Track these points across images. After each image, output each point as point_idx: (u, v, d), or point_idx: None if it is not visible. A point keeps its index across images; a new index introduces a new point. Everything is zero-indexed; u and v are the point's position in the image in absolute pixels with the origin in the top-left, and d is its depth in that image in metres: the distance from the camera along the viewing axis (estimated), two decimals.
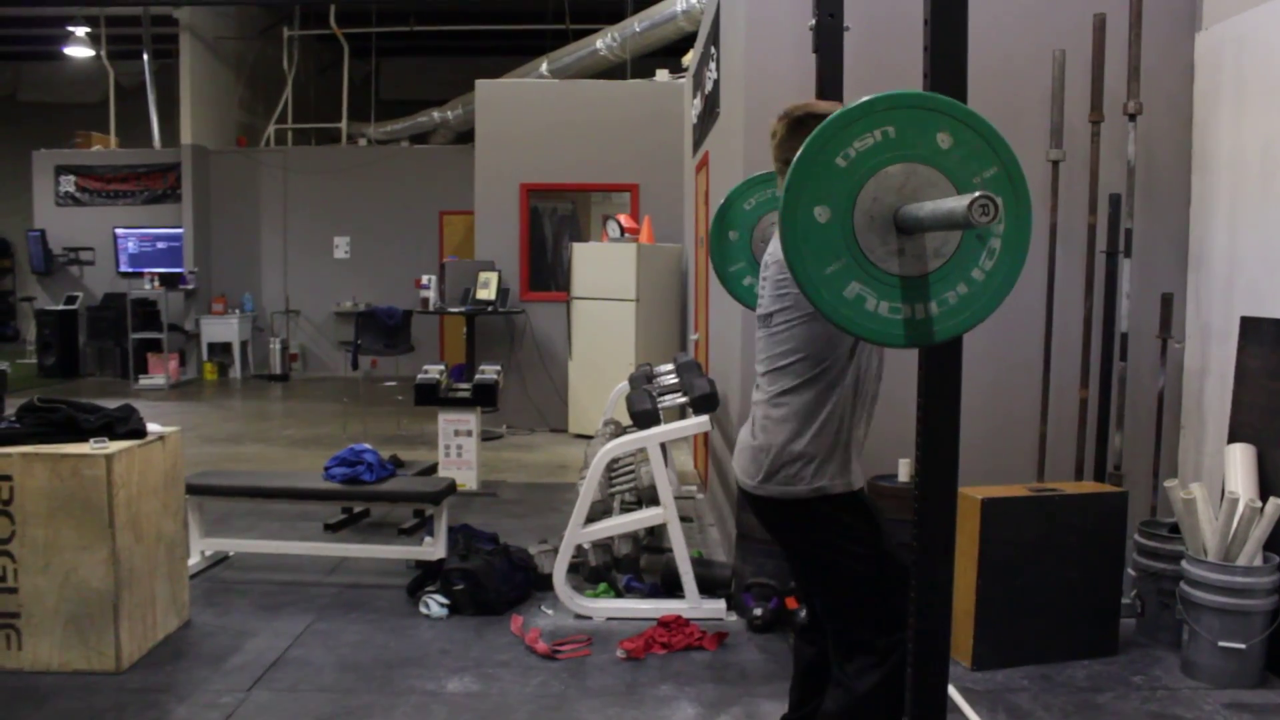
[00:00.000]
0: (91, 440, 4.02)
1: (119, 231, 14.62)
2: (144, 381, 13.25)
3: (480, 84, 10.50)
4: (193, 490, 4.99)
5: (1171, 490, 4.07)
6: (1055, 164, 4.68)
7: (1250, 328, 4.29)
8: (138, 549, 4.11)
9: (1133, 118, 4.59)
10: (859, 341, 2.59)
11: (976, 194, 1.94)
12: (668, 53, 12.18)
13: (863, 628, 2.69)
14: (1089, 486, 4.46)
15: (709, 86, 6.74)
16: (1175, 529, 4.20)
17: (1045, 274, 4.73)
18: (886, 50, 4.53)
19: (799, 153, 2.15)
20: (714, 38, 6.38)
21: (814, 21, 3.53)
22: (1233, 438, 4.27)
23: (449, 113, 15.04)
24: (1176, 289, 4.75)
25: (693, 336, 8.20)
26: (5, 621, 3.95)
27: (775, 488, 2.68)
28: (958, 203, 1.98)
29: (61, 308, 14.46)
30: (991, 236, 2.20)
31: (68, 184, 15.11)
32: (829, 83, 3.48)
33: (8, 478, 3.91)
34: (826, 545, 2.72)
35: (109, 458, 3.93)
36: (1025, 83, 4.74)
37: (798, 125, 2.65)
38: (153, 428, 4.33)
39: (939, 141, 2.17)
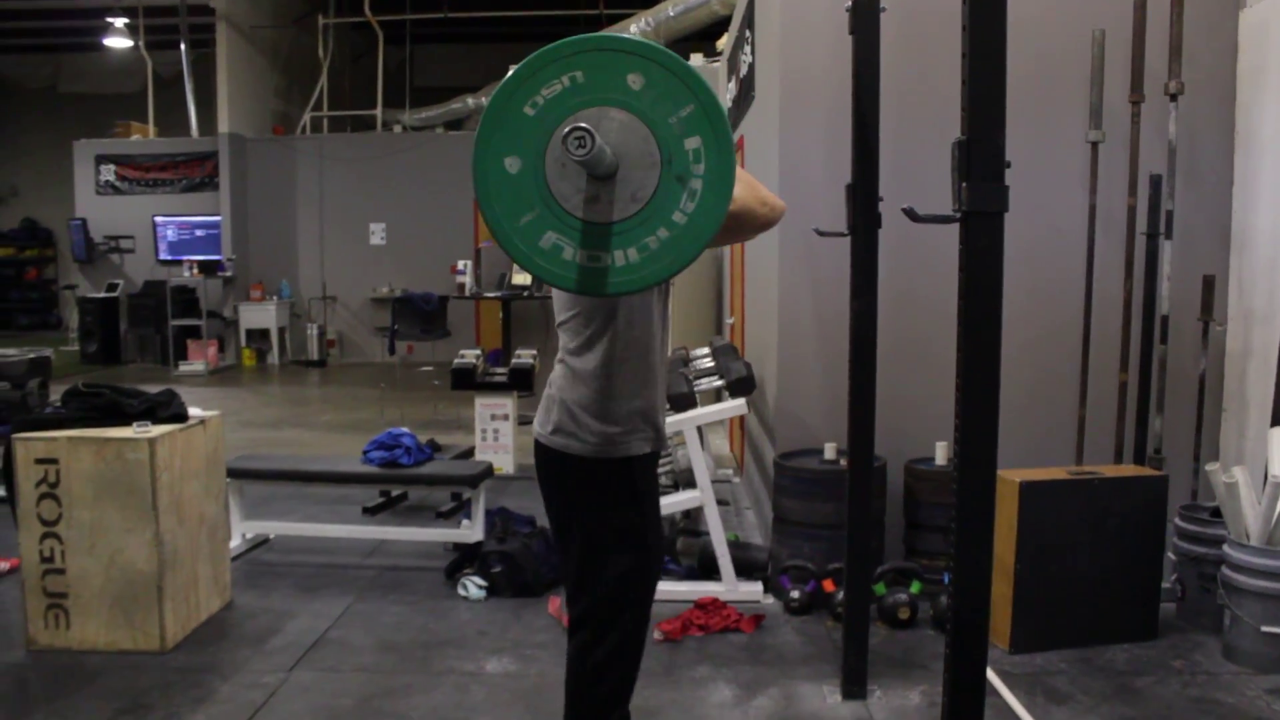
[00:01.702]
0: (135, 424, 4.08)
1: (158, 220, 14.81)
2: (184, 368, 13.41)
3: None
4: (233, 474, 5.06)
5: (1213, 474, 4.03)
6: (1095, 145, 4.64)
7: None
8: (181, 531, 4.17)
9: (1174, 97, 4.54)
10: (623, 302, 2.52)
11: (569, 128, 1.91)
12: (702, 37, 12.14)
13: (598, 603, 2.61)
14: (1129, 470, 4.43)
15: (744, 70, 6.72)
16: (1217, 513, 4.17)
17: (1085, 257, 4.69)
18: (924, 31, 4.50)
19: (488, 103, 2.10)
20: (749, 21, 6.36)
21: (850, 3, 3.50)
22: (1275, 421, 4.22)
23: (483, 98, 15.08)
24: (1219, 271, 4.69)
25: (728, 321, 8.19)
26: (54, 602, 4.03)
27: (558, 439, 2.59)
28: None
29: (103, 295, 14.66)
30: (692, 177, 2.08)
31: (108, 173, 15.29)
32: (865, 65, 3.45)
33: (54, 461, 3.98)
34: (588, 508, 2.62)
35: (152, 441, 3.99)
36: (1065, 63, 4.69)
37: None
38: (194, 412, 4.39)
39: (630, 83, 2.06)
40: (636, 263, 2.11)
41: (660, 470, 5.27)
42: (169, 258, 14.73)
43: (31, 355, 8.28)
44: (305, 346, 14.49)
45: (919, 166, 4.23)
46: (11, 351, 8.62)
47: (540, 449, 2.64)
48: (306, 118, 15.56)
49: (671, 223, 2.08)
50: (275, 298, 14.51)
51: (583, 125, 1.93)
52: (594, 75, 2.06)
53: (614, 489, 2.57)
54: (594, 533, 2.60)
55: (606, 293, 2.16)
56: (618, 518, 2.58)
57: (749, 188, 2.45)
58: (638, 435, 2.57)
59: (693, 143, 2.06)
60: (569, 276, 2.13)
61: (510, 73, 2.12)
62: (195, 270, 13.74)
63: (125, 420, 4.12)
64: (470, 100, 15.26)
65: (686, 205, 2.07)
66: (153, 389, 4.43)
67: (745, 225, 2.50)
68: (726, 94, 8.36)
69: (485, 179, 2.11)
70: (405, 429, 5.52)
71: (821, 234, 4.04)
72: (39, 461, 3.97)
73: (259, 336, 14.56)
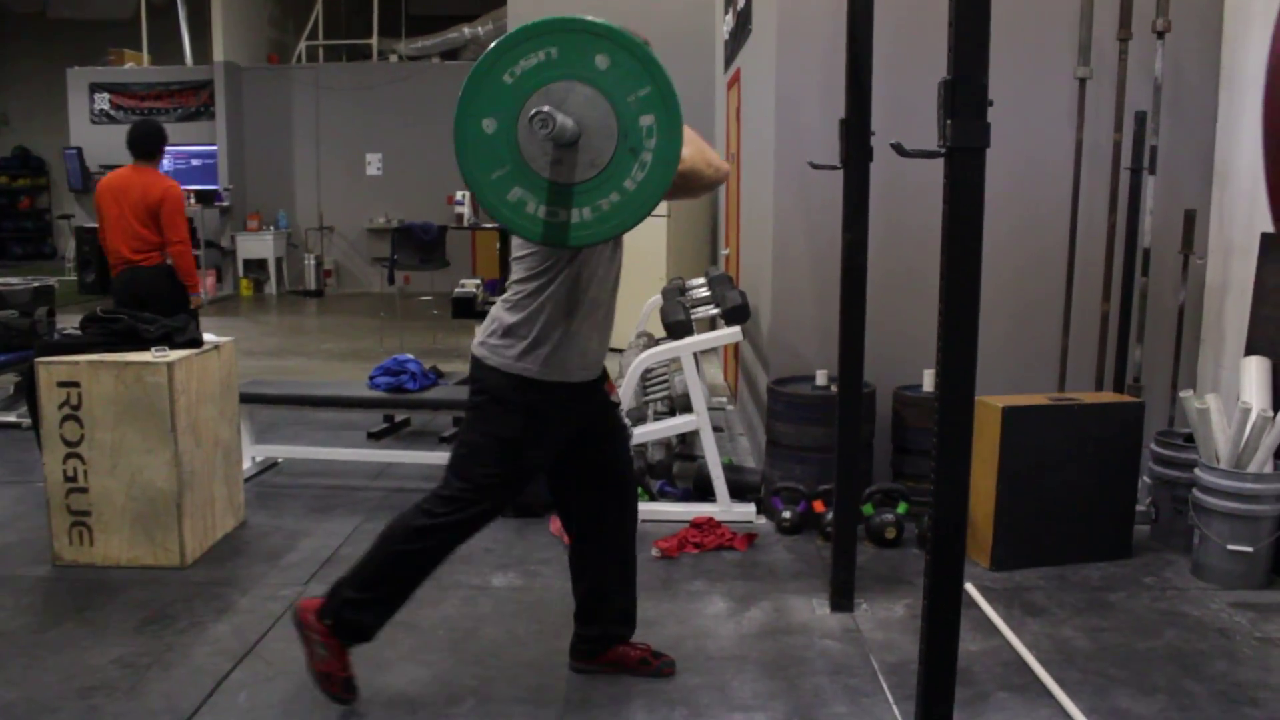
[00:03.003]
0: (153, 349, 4.23)
1: None
2: None
3: (512, 0, 10.52)
4: (245, 399, 5.20)
5: (1187, 400, 4.21)
6: (1082, 81, 4.75)
7: (1271, 244, 4.39)
8: (198, 452, 4.34)
9: (1161, 35, 4.64)
10: (582, 250, 2.81)
11: (534, 110, 2.23)
12: None
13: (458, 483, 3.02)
14: (1107, 396, 4.61)
15: (741, 3, 6.78)
16: (1190, 439, 4.35)
17: (1070, 191, 4.82)
18: None
19: (471, 70, 2.41)
20: None
21: None
22: (1249, 351, 4.39)
23: (480, 28, 15.02)
24: (1200, 206, 4.83)
25: (723, 251, 8.32)
26: (78, 519, 4.20)
27: (488, 353, 2.94)
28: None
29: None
30: (644, 150, 2.41)
31: (102, 102, 15.26)
32: (860, 1, 3.56)
33: (76, 384, 4.13)
34: (485, 411, 2.99)
35: (170, 365, 4.14)
36: (1055, 1, 4.78)
37: None
38: (208, 337, 4.53)
39: (597, 62, 2.38)
40: (590, 220, 2.46)
41: (656, 396, 5.44)
42: None
43: (35, 284, 8.38)
44: (302, 276, 14.58)
45: (912, 102, 4.33)
46: (14, 280, 8.72)
47: (472, 358, 3.00)
48: (302, 46, 15.51)
49: (623, 188, 2.43)
50: (272, 228, 14.58)
51: (545, 109, 2.26)
52: (567, 52, 2.39)
53: (510, 402, 2.93)
54: (480, 433, 3.00)
55: (569, 245, 2.53)
56: (504, 428, 2.94)
57: (698, 150, 2.77)
58: (553, 364, 2.90)
59: (647, 120, 2.40)
60: (534, 229, 2.50)
61: (493, 44, 2.41)
62: (192, 200, 13.77)
63: (143, 345, 4.27)
64: (467, 30, 15.18)
65: (636, 174, 2.42)
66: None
67: (693, 184, 2.83)
68: (723, 26, 8.40)
69: (464, 137, 2.44)
70: (410, 355, 5.67)
71: (815, 167, 4.17)
72: (61, 384, 4.12)
73: (256, 266, 14.65)
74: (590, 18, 2.42)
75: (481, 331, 3.00)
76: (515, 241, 2.93)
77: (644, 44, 2.40)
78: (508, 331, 2.91)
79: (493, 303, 7.13)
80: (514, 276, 2.95)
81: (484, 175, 2.45)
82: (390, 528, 3.11)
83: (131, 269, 6.13)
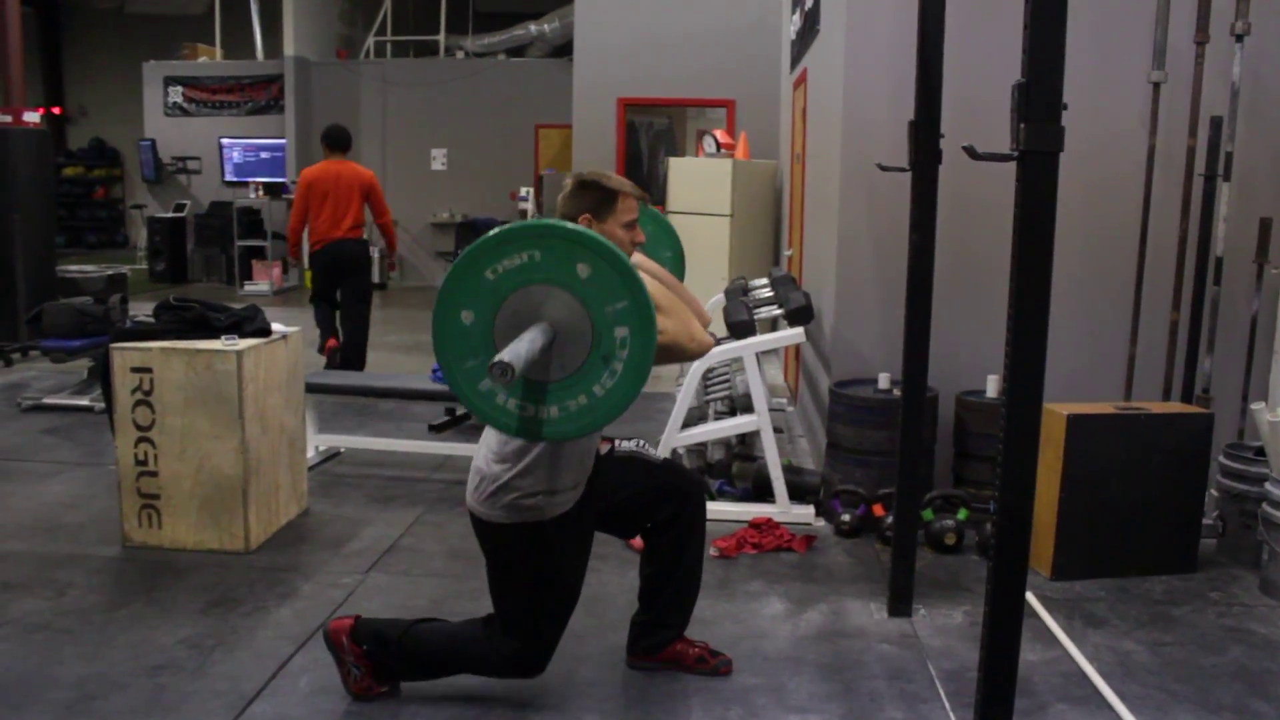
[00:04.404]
0: (223, 337, 4.31)
1: (224, 141, 15.05)
2: (249, 287, 13.71)
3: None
4: (310, 388, 5.28)
5: (1258, 413, 4.13)
6: (1156, 85, 4.67)
7: None
8: (264, 440, 4.42)
9: (1240, 38, 4.55)
10: None
11: (495, 359, 2.24)
12: None
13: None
14: (1175, 407, 4.54)
15: (809, 4, 6.76)
16: (1261, 452, 4.27)
17: (1142, 197, 4.74)
18: None
19: (454, 263, 2.45)
20: None
21: None
22: None
23: (546, 26, 15.06)
24: (1276, 214, 4.73)
25: (786, 252, 8.30)
26: (146, 502, 4.30)
27: (490, 510, 2.92)
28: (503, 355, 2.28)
29: (170, 215, 14.97)
30: (615, 360, 2.47)
31: (175, 95, 15.56)
32: (931, 3, 3.53)
33: (148, 370, 4.22)
34: (509, 563, 3.01)
35: (239, 354, 4.22)
36: (1129, 3, 4.71)
37: (580, 188, 2.94)
38: (276, 327, 4.61)
39: (579, 271, 2.43)
40: (558, 418, 2.53)
41: (717, 395, 5.44)
42: (235, 179, 14.99)
43: (110, 272, 8.60)
44: None
45: (981, 105, 4.30)
46: (90, 268, 8.95)
47: (471, 514, 3.01)
48: (370, 42, 15.68)
49: (591, 393, 2.51)
50: None
51: (505, 360, 2.24)
52: (549, 257, 2.44)
53: (528, 549, 2.94)
54: (513, 579, 3.02)
55: (542, 438, 2.59)
56: (535, 567, 2.97)
57: (682, 325, 2.82)
58: (554, 502, 2.90)
59: (621, 332, 2.46)
60: (507, 422, 2.56)
61: (478, 240, 2.46)
62: (260, 192, 13.99)
63: (213, 333, 4.35)
64: (533, 27, 15.24)
65: (606, 381, 2.50)
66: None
67: (674, 356, 2.90)
68: (790, 26, 8.38)
69: (442, 325, 2.50)
70: None
71: (883, 169, 4.15)
72: (134, 370, 4.22)
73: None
74: (574, 226, 2.49)
75: (471, 487, 2.99)
76: None
77: (624, 257, 2.44)
78: (499, 482, 2.89)
79: None
80: (488, 435, 2.98)
81: (459, 364, 2.50)
82: (469, 638, 3.14)
83: (340, 242, 7.35)
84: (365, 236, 7.65)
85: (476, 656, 3.10)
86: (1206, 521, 4.39)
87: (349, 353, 7.42)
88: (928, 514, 4.46)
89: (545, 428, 2.54)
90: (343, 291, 7.51)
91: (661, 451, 4.88)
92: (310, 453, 5.43)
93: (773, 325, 5.47)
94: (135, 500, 4.31)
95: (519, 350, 2.31)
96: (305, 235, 7.67)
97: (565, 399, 2.51)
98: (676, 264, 4.54)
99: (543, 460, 2.85)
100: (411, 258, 15.21)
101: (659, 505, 3.25)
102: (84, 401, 6.80)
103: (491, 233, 2.45)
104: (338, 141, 7.61)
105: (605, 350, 2.46)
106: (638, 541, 3.44)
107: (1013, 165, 2.45)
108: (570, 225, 2.50)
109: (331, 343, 7.52)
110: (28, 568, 4.14)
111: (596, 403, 2.51)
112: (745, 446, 5.36)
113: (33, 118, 8.75)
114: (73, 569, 4.13)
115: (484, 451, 2.96)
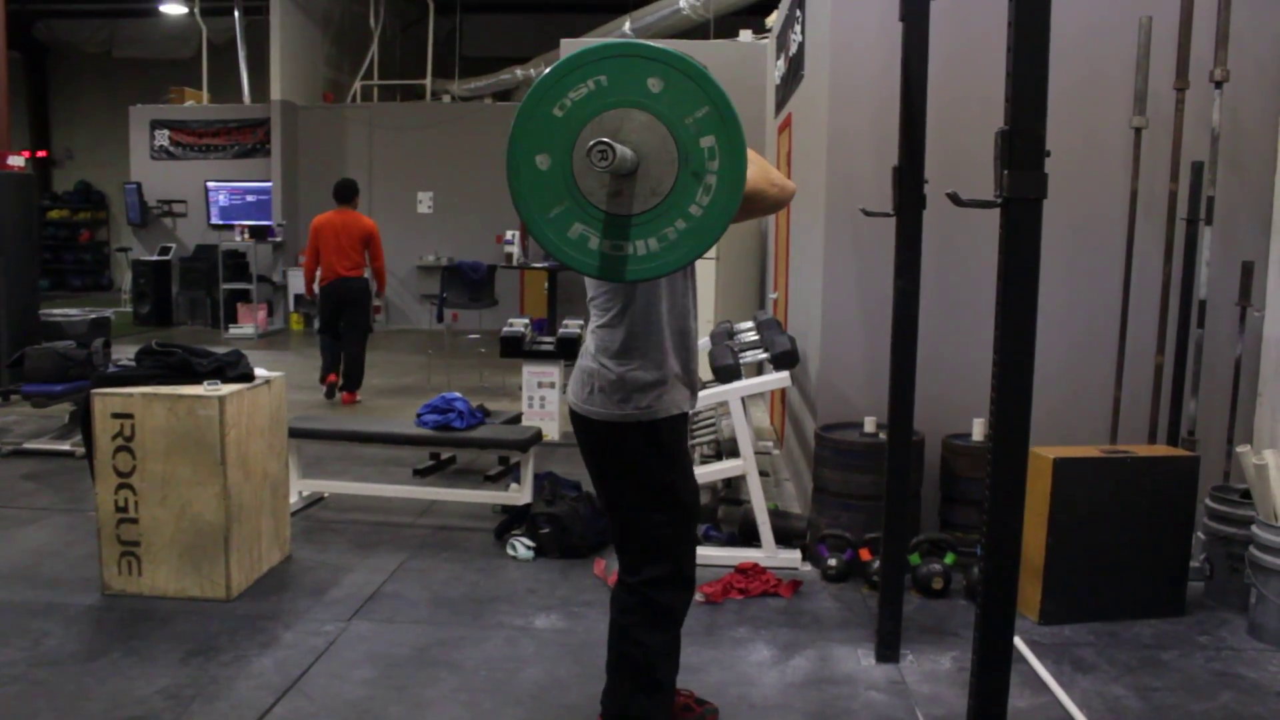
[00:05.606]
0: (205, 383, 4.28)
1: (210, 185, 15.05)
2: (233, 330, 13.68)
3: (565, 42, 10.62)
4: (294, 433, 5.25)
5: (1244, 456, 4.13)
6: (1138, 131, 4.71)
7: None
8: (246, 486, 4.38)
9: (1219, 85, 4.60)
10: (661, 281, 2.73)
11: (593, 141, 2.12)
12: (751, 12, 12.19)
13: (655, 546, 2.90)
14: (1161, 450, 4.54)
15: (793, 49, 6.81)
16: (1247, 494, 4.26)
17: (1124, 241, 4.77)
18: (973, 19, 4.58)
19: (519, 106, 2.31)
20: (800, 0, 6.44)
21: None
22: None
23: (531, 70, 15.20)
24: (1258, 257, 4.76)
25: (771, 295, 8.31)
26: (127, 549, 4.25)
27: (590, 407, 2.83)
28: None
29: (155, 258, 14.96)
30: (707, 174, 2.29)
31: (162, 138, 15.58)
32: (915, 49, 3.56)
33: (129, 416, 4.18)
34: (622, 470, 2.89)
35: (222, 399, 4.18)
36: (1110, 49, 4.76)
37: None
38: (260, 372, 4.58)
39: (650, 86, 2.27)
40: (657, 251, 2.34)
41: (703, 440, 5.42)
42: (220, 222, 14.98)
43: (93, 316, 8.54)
44: None
45: (964, 151, 4.33)
46: (74, 311, 8.89)
47: (575, 417, 2.89)
48: (357, 86, 15.76)
49: (689, 215, 2.31)
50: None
51: (605, 140, 2.14)
52: (617, 79, 2.28)
53: (643, 451, 2.83)
54: (629, 493, 2.88)
55: (625, 279, 2.39)
56: (649, 478, 2.85)
57: (761, 170, 2.66)
58: (665, 399, 2.80)
59: (707, 141, 2.27)
60: (592, 264, 2.36)
61: (538, 77, 2.32)
62: (246, 235, 13.99)
63: (196, 378, 4.32)
64: (519, 71, 15.39)
65: (702, 199, 2.30)
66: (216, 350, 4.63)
67: (757, 205, 2.71)
68: (774, 71, 8.44)
69: (518, 175, 2.33)
70: (457, 394, 5.70)
71: (868, 214, 4.16)
72: (115, 416, 4.18)
73: (307, 302, 14.79)
74: (635, 40, 2.37)
75: (577, 388, 2.87)
76: (589, 282, 2.82)
77: (697, 63, 2.31)
78: (609, 378, 2.80)
79: (544, 342, 7.19)
80: (596, 319, 2.87)
81: (542, 214, 2.33)
82: (624, 629, 2.97)
83: (343, 279, 8.83)
84: (365, 276, 9.01)
85: (664, 618, 2.95)
86: (1194, 564, 4.38)
87: (350, 368, 8.97)
88: (915, 558, 4.44)
89: (631, 264, 2.36)
90: (345, 321, 8.94)
91: None
92: (293, 498, 5.39)
93: (759, 369, 5.46)
94: (115, 547, 4.26)
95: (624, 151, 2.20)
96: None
97: (662, 228, 2.32)
98: None
99: (651, 344, 2.79)
100: (398, 301, 15.20)
101: None
102: (65, 446, 6.74)
103: (549, 69, 2.31)
104: (343, 194, 9.06)
105: (695, 166, 2.28)
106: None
107: (996, 211, 2.46)
108: (632, 40, 2.38)
109: (331, 377, 8.98)
110: (4, 617, 4.08)
111: (696, 224, 2.31)
112: (731, 490, 5.34)
113: (18, 161, 8.75)
114: (50, 618, 4.07)
115: (590, 351, 2.87)
